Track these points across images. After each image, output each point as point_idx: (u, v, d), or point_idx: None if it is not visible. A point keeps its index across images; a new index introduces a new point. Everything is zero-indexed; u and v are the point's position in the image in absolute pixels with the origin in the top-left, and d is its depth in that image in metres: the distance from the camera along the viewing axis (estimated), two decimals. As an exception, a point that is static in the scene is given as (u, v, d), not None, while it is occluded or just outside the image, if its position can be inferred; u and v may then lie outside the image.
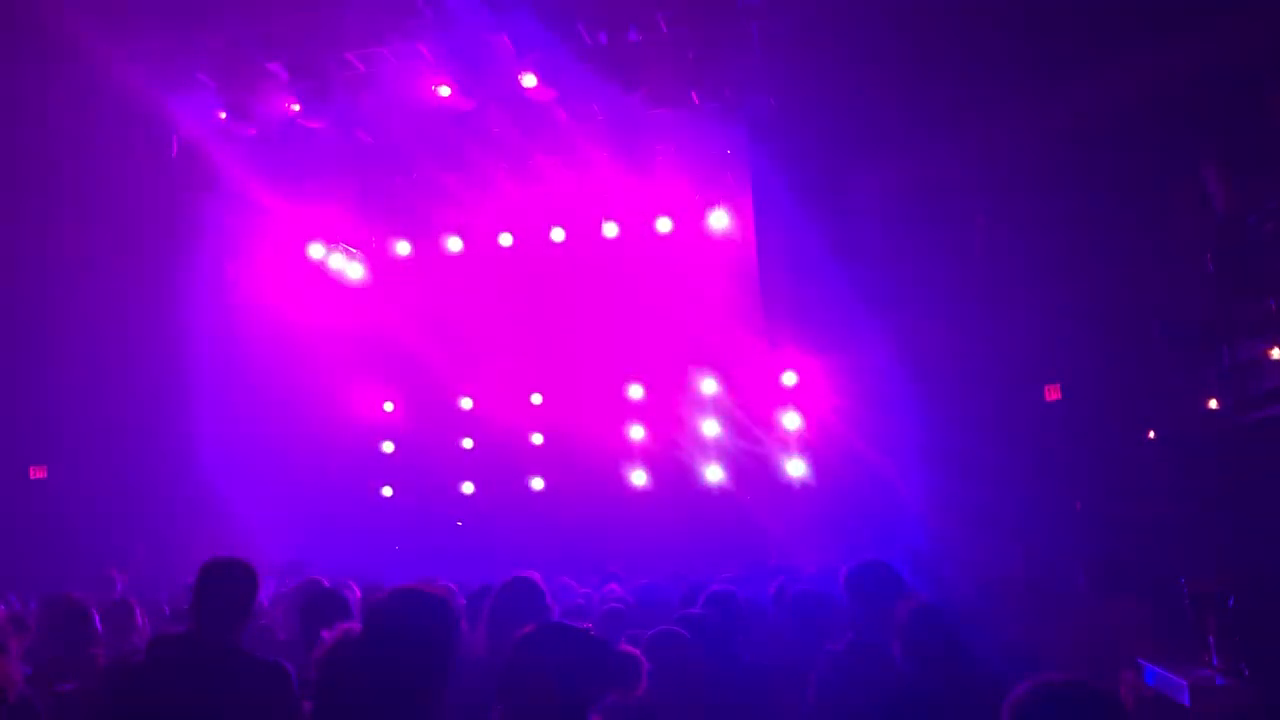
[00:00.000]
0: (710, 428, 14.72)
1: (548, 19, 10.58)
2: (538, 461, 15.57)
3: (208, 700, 3.80)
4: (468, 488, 15.73)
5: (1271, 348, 6.99)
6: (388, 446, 16.24)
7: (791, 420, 13.72)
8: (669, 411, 15.00)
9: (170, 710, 3.77)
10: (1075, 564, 7.00)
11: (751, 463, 14.10)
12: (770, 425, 13.88)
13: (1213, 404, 8.13)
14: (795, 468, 13.36)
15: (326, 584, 6.37)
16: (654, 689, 3.48)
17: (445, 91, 11.35)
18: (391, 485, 15.97)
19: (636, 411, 15.31)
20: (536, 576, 4.95)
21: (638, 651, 3.49)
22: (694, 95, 11.92)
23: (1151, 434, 9.27)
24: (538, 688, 3.20)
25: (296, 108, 11.31)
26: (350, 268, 15.76)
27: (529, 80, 11.17)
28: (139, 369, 12.56)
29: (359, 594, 6.51)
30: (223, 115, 11.38)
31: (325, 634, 3.54)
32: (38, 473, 12.74)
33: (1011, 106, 10.59)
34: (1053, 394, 10.93)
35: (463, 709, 3.96)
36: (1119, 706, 2.63)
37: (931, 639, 4.12)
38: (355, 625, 3.55)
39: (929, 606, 4.30)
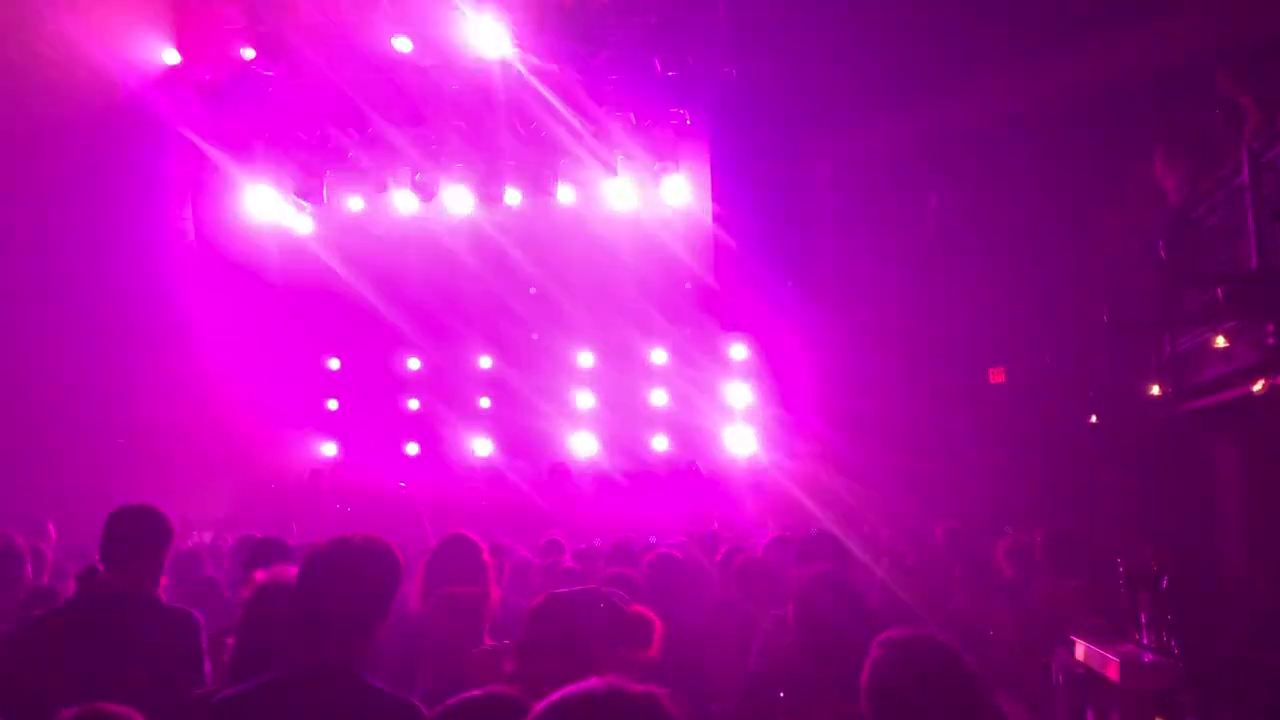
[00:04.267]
0: (658, 397, 14.75)
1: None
2: (484, 424, 15.51)
3: (111, 649, 3.73)
4: (412, 449, 15.64)
5: (1214, 337, 7.13)
6: (332, 404, 16.08)
7: (739, 391, 13.80)
8: (618, 379, 15.01)
9: (74, 658, 3.71)
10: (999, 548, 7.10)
11: (698, 433, 14.17)
12: (718, 396, 13.95)
13: (1154, 390, 8.28)
14: (742, 439, 13.45)
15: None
16: None
17: (403, 44, 11.17)
18: (335, 443, 15.83)
19: (585, 378, 15.29)
20: (473, 536, 4.93)
21: (652, 614, 3.52)
22: (656, 62, 11.87)
23: (1094, 418, 9.43)
24: (556, 650, 3.24)
25: (251, 54, 11.07)
26: (298, 220, 15.50)
27: (490, 37, 11.04)
28: (81, 316, 12.28)
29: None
30: (176, 59, 11.11)
31: (258, 575, 3.52)
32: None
33: (968, 89, 10.66)
34: (997, 376, 11.08)
35: (395, 663, 3.95)
36: (959, 658, 2.73)
37: (823, 605, 4.21)
38: (290, 569, 3.53)
39: (824, 574, 4.39)
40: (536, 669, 3.30)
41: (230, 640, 3.59)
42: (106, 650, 3.71)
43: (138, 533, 4.05)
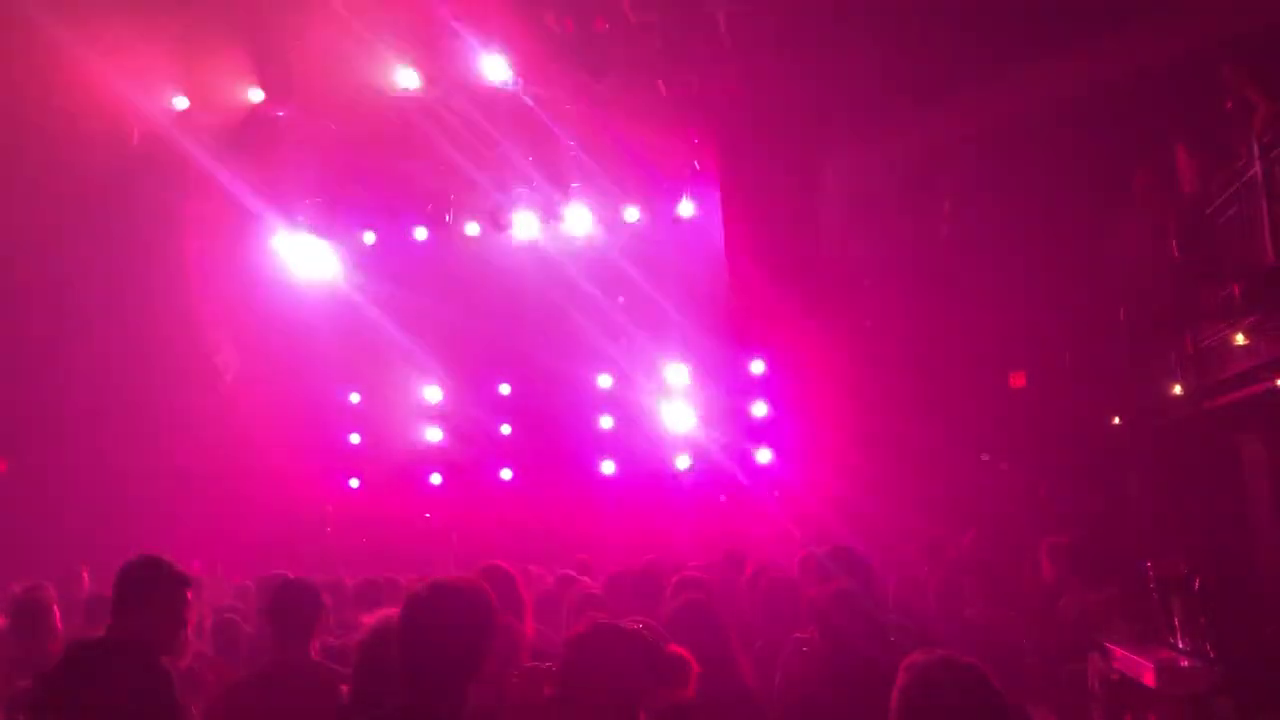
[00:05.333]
0: (678, 417, 14.73)
1: (515, 6, 10.52)
2: (506, 452, 15.53)
3: (89, 700, 3.78)
4: (435, 479, 15.66)
5: (1234, 333, 7.08)
6: (355, 438, 16.13)
7: (760, 409, 13.76)
8: (638, 401, 15.01)
9: (62, 709, 3.77)
10: (1041, 549, 7.06)
11: (720, 451, 14.14)
12: (738, 414, 13.91)
13: (1177, 389, 8.22)
14: (763, 456, 13.40)
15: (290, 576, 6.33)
16: None
17: (409, 78, 11.25)
18: (358, 477, 15.86)
19: (606, 401, 15.29)
20: (508, 566, 4.93)
21: (688, 654, 3.53)
22: (661, 84, 11.92)
23: (1116, 420, 9.37)
24: (592, 686, 3.27)
25: (260, 95, 11.19)
26: (314, 257, 15.56)
27: (495, 68, 11.12)
28: (103, 361, 12.40)
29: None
30: (185, 105, 11.23)
31: (365, 619, 3.60)
32: (-1, 465, 12.56)
33: (976, 94, 10.65)
34: (1017, 381, 11.02)
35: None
36: (988, 680, 2.71)
37: (849, 622, 4.21)
38: (393, 611, 3.61)
39: (846, 590, 4.39)
40: (575, 696, 3.32)
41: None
42: (86, 701, 3.76)
43: (139, 583, 4.08)
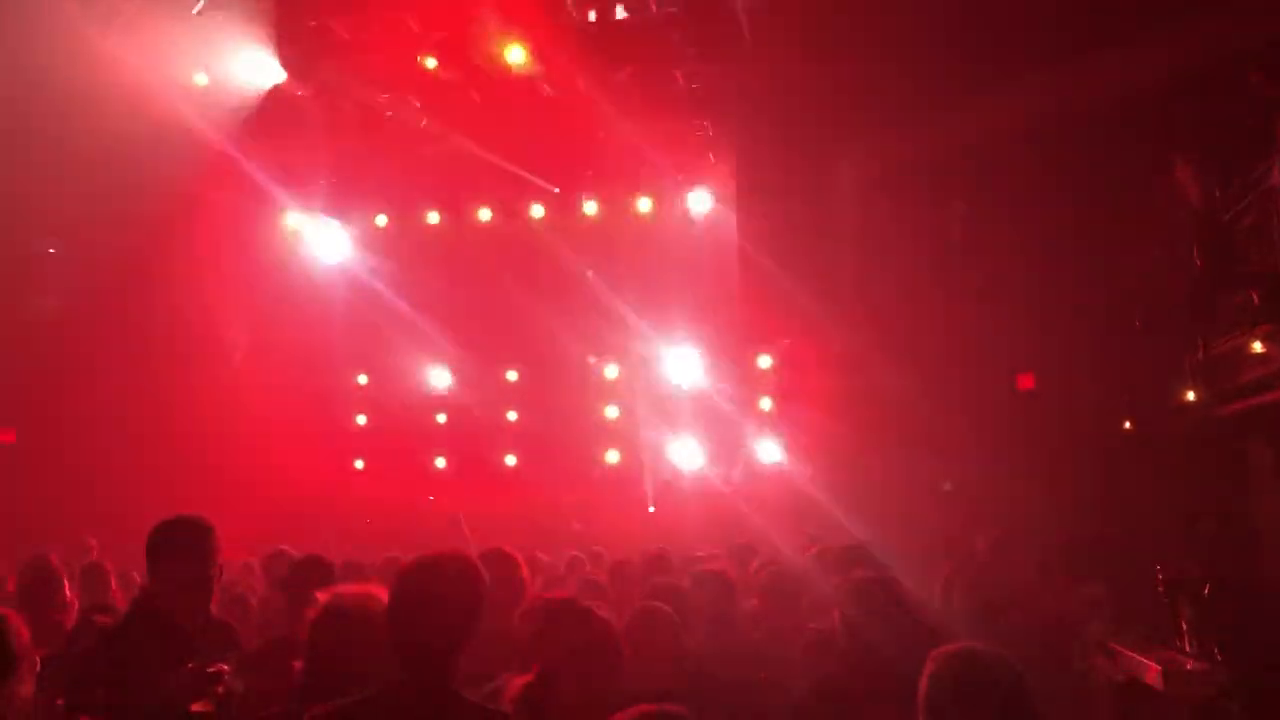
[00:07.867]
0: (684, 408, 14.74)
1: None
2: (512, 437, 15.55)
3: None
4: (441, 462, 15.68)
5: (1250, 340, 7.08)
6: (361, 419, 16.15)
7: (767, 401, 13.78)
8: (645, 391, 15.02)
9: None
10: (1049, 549, 7.08)
11: (727, 443, 14.15)
12: (746, 406, 13.93)
13: (1190, 396, 8.21)
14: (770, 448, 13.42)
15: (295, 555, 6.38)
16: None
17: (430, 63, 11.27)
18: (364, 458, 15.89)
19: (612, 390, 15.31)
20: (511, 549, 4.97)
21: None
22: (678, 75, 11.93)
23: (1128, 425, 9.36)
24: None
25: (281, 75, 11.22)
26: (328, 238, 15.58)
27: (514, 55, 11.12)
28: (114, 335, 12.44)
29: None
30: (205, 82, 11.25)
31: (319, 595, 3.55)
32: (5, 436, 12.57)
33: (991, 97, 10.63)
34: (1025, 383, 11.01)
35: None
36: (1016, 669, 2.71)
37: (869, 615, 4.19)
38: (344, 588, 3.59)
39: (867, 580, 4.37)
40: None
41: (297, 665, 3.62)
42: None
43: (186, 544, 4.00)
